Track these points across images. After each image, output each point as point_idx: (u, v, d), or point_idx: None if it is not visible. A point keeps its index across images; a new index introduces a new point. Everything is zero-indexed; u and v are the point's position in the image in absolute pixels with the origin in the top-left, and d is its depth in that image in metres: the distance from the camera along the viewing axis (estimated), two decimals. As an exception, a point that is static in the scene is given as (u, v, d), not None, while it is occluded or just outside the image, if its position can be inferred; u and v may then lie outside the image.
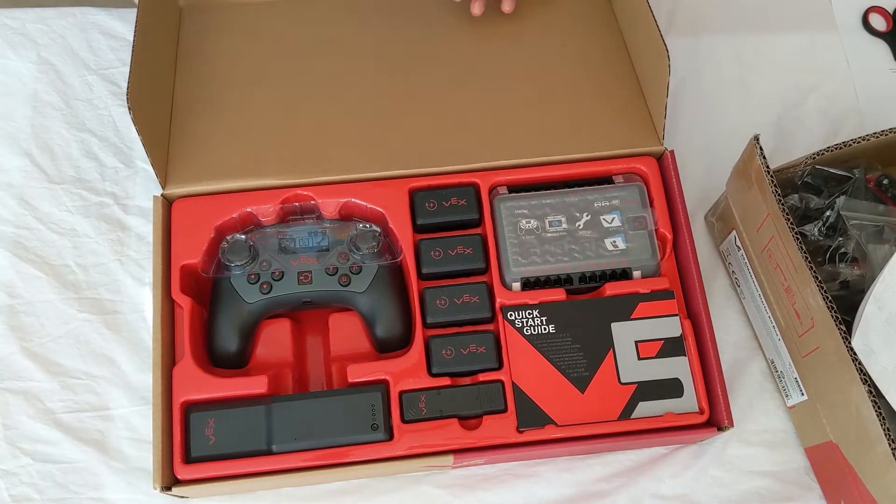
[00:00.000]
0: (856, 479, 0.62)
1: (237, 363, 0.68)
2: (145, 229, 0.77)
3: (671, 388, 0.66)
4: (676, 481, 0.70)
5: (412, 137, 0.74)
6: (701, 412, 0.65)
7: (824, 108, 0.85)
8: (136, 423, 0.71)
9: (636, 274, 0.69)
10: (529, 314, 0.68)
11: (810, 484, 0.70)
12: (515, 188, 0.73)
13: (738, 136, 0.70)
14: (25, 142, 0.80)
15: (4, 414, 0.71)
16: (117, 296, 0.75)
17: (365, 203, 0.71)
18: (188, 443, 0.64)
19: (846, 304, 0.63)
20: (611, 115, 0.76)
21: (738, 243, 0.72)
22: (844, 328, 0.59)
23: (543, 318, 0.67)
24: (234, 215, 0.70)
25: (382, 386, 0.66)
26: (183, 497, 0.65)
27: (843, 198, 0.67)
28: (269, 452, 0.64)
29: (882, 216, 0.67)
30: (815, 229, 0.68)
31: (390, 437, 0.64)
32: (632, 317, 0.68)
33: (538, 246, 0.70)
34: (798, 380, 0.68)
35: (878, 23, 0.90)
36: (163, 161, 0.72)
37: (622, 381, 0.66)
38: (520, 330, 0.67)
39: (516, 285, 0.69)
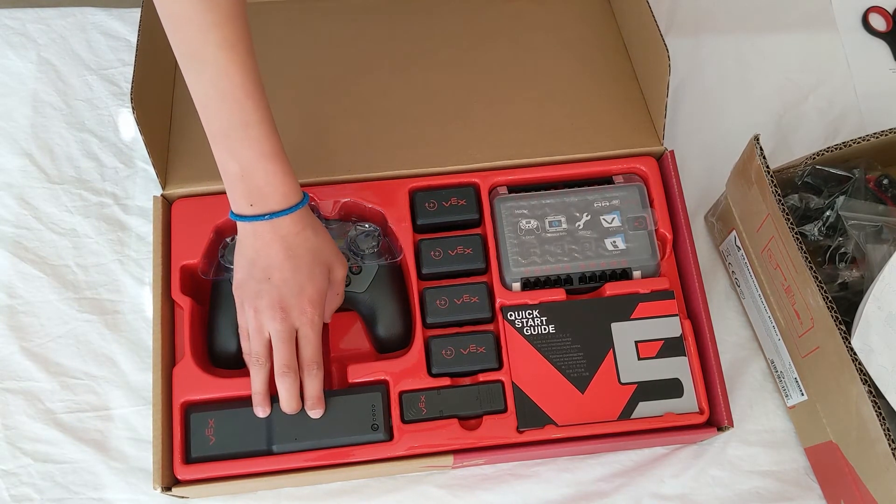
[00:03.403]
0: (856, 479, 0.62)
1: (237, 363, 0.68)
2: (145, 229, 0.77)
3: (671, 388, 0.66)
4: (676, 481, 0.70)
5: (412, 137, 0.74)
6: (701, 412, 0.65)
7: (824, 108, 0.85)
8: (136, 423, 0.71)
9: (636, 274, 0.69)
10: (529, 314, 0.68)
11: (810, 484, 0.70)
12: (515, 188, 0.73)
13: (738, 136, 0.71)
14: (25, 142, 0.80)
15: (4, 414, 0.71)
16: (117, 296, 0.75)
17: (365, 203, 0.71)
18: (188, 443, 0.64)
19: (845, 305, 0.63)
20: (611, 115, 0.76)
21: (738, 243, 0.72)
22: (844, 328, 0.59)
23: (543, 319, 0.67)
24: (233, 215, 0.70)
25: (382, 386, 0.66)
26: (183, 497, 0.65)
27: (842, 198, 0.67)
28: (269, 452, 0.64)
29: (882, 216, 0.67)
30: (815, 229, 0.68)
31: (390, 437, 0.64)
32: (632, 317, 0.68)
33: (538, 246, 0.70)
34: (798, 380, 0.68)
35: (878, 23, 0.90)
36: (163, 161, 0.72)
37: (622, 381, 0.66)
38: (520, 330, 0.67)
39: (516, 285, 0.69)
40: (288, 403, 0.62)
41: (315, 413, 0.63)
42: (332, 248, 0.64)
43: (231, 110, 0.57)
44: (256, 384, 0.62)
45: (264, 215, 0.59)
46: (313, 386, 0.62)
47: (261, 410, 0.63)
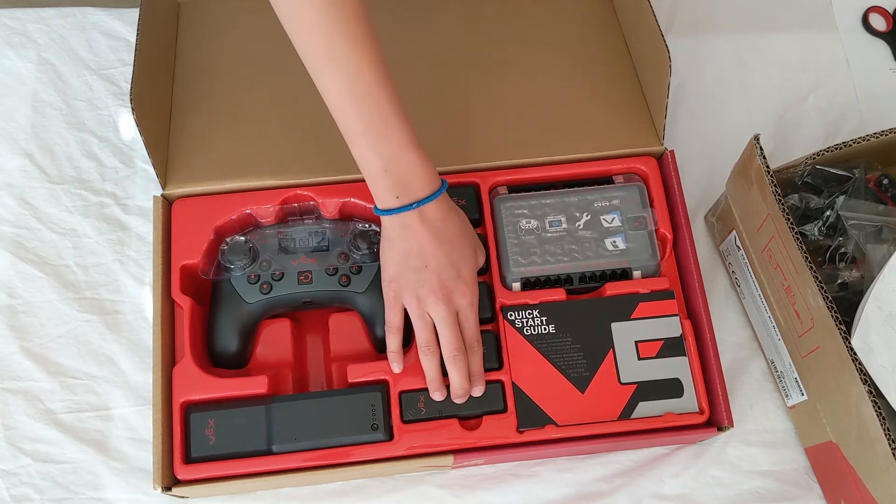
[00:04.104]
0: (856, 479, 0.62)
1: (237, 363, 0.68)
2: (145, 229, 0.77)
3: (671, 388, 0.66)
4: (676, 481, 0.70)
5: (412, 137, 0.74)
6: (701, 412, 0.65)
7: (824, 108, 0.85)
8: (136, 423, 0.71)
9: (636, 274, 0.69)
10: (529, 314, 0.68)
11: (810, 484, 0.70)
12: (515, 188, 0.73)
13: (738, 136, 0.71)
14: (25, 142, 0.80)
15: (4, 414, 0.71)
16: (117, 296, 0.75)
17: (365, 203, 0.71)
18: (188, 443, 0.64)
19: (845, 306, 0.63)
20: (611, 115, 0.76)
21: (738, 243, 0.72)
22: (844, 328, 0.59)
23: (543, 318, 0.67)
24: (233, 217, 0.70)
25: (382, 386, 0.66)
26: (183, 497, 0.65)
27: (842, 198, 0.67)
28: (269, 452, 0.64)
29: (882, 216, 0.67)
30: (815, 229, 0.68)
31: (390, 437, 0.64)
32: (632, 317, 0.68)
33: (538, 246, 0.70)
34: (798, 380, 0.68)
35: (878, 23, 0.90)
36: (163, 161, 0.72)
37: (622, 381, 0.66)
38: (520, 330, 0.67)
39: (516, 285, 0.69)
40: (460, 385, 0.63)
41: (478, 391, 0.64)
42: (472, 230, 0.66)
43: (368, 107, 0.59)
44: (431, 371, 0.63)
45: (411, 205, 0.60)
46: (476, 363, 0.64)
47: (438, 395, 0.64)
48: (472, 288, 0.63)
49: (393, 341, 0.64)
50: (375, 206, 0.62)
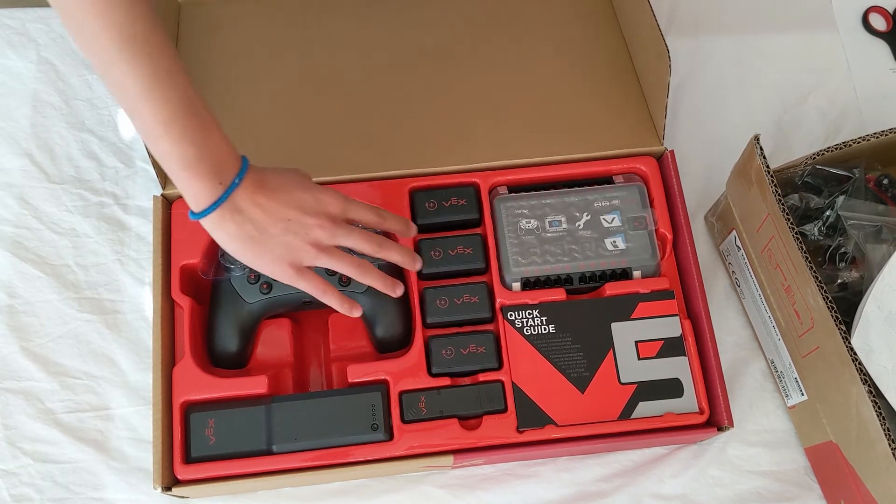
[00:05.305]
0: (856, 479, 0.62)
1: (237, 363, 0.68)
2: (145, 229, 0.77)
3: (671, 388, 0.66)
4: (676, 481, 0.70)
5: (412, 137, 0.74)
6: (701, 412, 0.65)
7: (824, 108, 0.85)
8: (136, 423, 0.71)
9: (636, 274, 0.69)
10: (529, 314, 0.68)
11: (810, 484, 0.70)
12: (515, 188, 0.73)
13: (738, 136, 0.71)
14: (25, 142, 0.80)
15: (4, 414, 0.71)
16: (117, 296, 0.75)
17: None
18: (188, 443, 0.64)
19: (845, 305, 0.63)
20: (611, 115, 0.76)
21: (738, 243, 0.72)
22: (844, 328, 0.59)
23: (543, 318, 0.67)
24: (233, 215, 0.70)
25: (382, 386, 0.66)
26: (183, 497, 0.65)
27: (842, 198, 0.67)
28: (269, 452, 0.64)
29: (881, 216, 0.67)
30: (815, 229, 0.68)
31: (390, 437, 0.64)
32: (632, 317, 0.68)
33: (538, 246, 0.70)
34: (798, 380, 0.68)
35: (878, 23, 0.90)
36: (163, 161, 0.72)
37: (622, 381, 0.66)
38: (520, 330, 0.67)
39: (516, 285, 0.69)
40: (405, 255, 0.64)
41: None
42: (291, 175, 0.61)
43: (175, 90, 0.53)
44: (379, 283, 0.62)
45: (233, 183, 0.56)
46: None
47: (398, 289, 0.64)
48: (332, 193, 0.59)
49: (335, 297, 0.61)
50: (192, 211, 0.56)
